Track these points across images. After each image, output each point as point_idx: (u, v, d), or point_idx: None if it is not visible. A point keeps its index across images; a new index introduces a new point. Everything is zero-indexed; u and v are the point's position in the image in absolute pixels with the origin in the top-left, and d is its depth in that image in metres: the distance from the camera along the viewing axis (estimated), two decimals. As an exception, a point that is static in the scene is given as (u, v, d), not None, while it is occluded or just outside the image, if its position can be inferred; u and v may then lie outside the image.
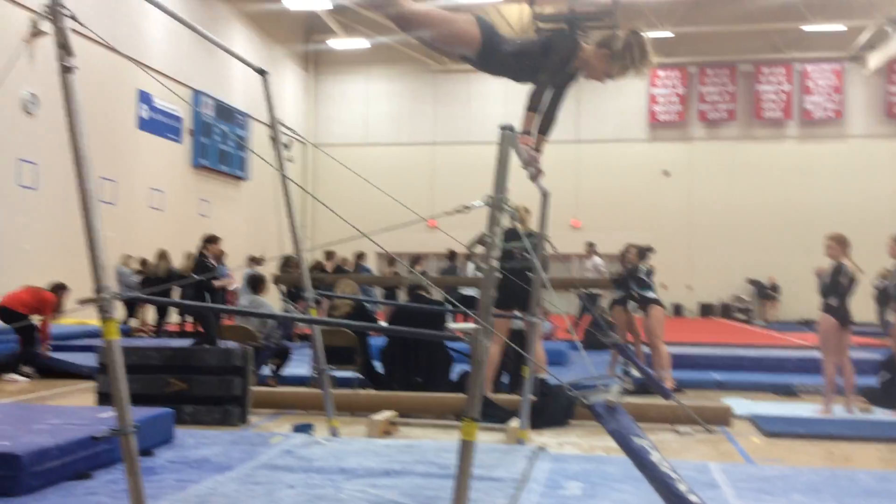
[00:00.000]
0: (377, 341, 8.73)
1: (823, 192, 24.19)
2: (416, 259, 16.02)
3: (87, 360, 9.58)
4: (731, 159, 25.07)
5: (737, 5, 23.20)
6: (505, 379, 7.88)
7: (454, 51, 3.95)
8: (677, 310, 24.91)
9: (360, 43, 24.57)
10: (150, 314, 15.09)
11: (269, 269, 13.95)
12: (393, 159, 25.68)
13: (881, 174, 24.05)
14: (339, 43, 24.81)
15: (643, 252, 9.02)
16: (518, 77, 3.96)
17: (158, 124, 17.75)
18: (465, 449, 2.95)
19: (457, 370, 7.92)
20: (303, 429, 5.87)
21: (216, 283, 10.53)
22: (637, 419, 3.45)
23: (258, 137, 21.03)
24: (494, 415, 6.40)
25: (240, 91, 21.28)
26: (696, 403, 7.13)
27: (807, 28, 23.31)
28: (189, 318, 14.40)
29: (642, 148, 25.62)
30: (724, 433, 6.45)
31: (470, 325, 3.04)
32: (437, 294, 8.99)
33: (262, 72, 5.38)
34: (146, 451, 4.65)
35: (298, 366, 9.06)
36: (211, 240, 10.17)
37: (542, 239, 5.54)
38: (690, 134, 25.51)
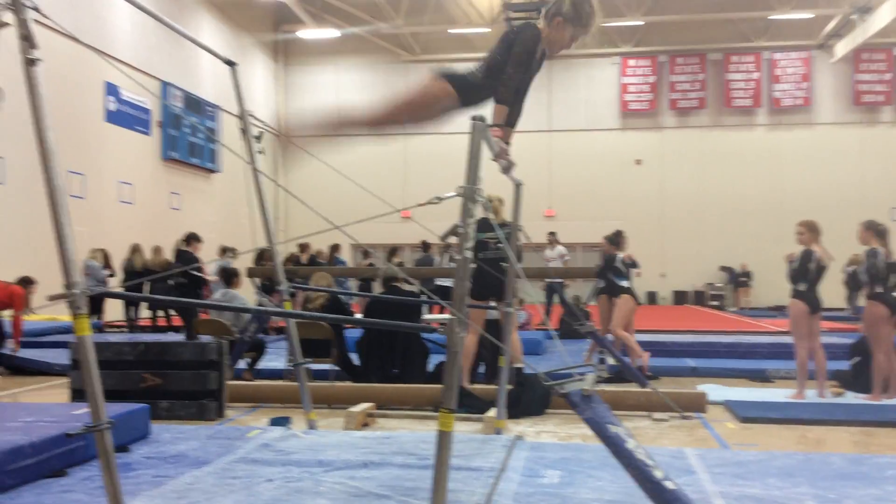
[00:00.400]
0: (353, 333, 8.70)
1: (793, 179, 24.51)
2: (393, 251, 15.97)
3: (59, 356, 9.47)
4: (701, 147, 25.28)
5: (706, -6, 23.37)
6: (481, 369, 7.90)
7: (439, 112, 3.96)
8: (651, 297, 25.10)
9: (329, 33, 24.44)
10: (119, 310, 14.89)
11: (242, 262, 13.86)
12: (365, 150, 25.53)
13: (849, 161, 24.40)
14: (309, 33, 24.65)
15: (615, 239, 9.03)
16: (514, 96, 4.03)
17: (126, 116, 17.52)
18: (443, 439, 2.95)
19: (434, 361, 7.92)
20: (280, 422, 5.85)
21: (209, 278, 10.46)
22: (613, 407, 3.46)
23: (229, 129, 20.83)
24: (471, 405, 6.41)
25: (209, 82, 21.06)
26: (672, 390, 7.20)
27: (774, 17, 23.54)
28: (161, 314, 14.29)
29: (614, 137, 25.74)
30: (700, 419, 6.51)
31: (445, 316, 3.03)
32: (412, 286, 8.97)
33: (230, 63, 5.32)
34: (122, 448, 4.60)
35: (274, 359, 9.02)
36: (195, 237, 10.12)
37: (515, 229, 5.54)
38: (661, 122, 25.68)
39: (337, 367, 7.85)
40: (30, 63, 3.01)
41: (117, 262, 14.15)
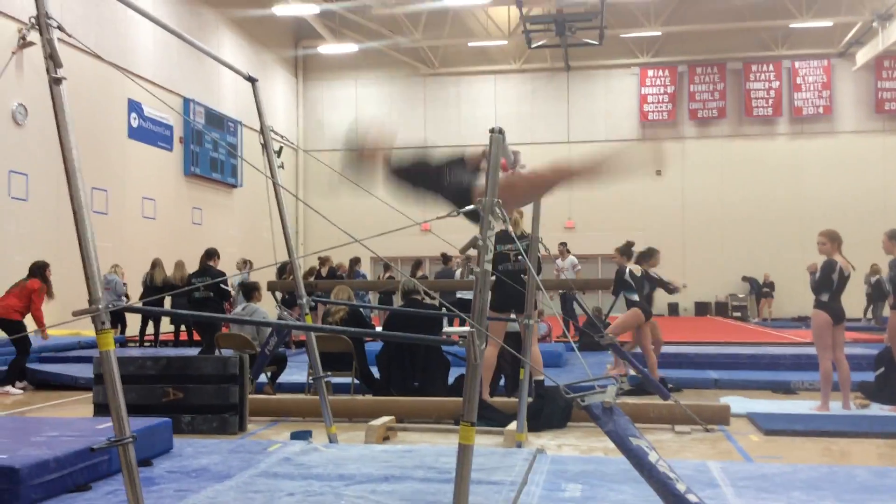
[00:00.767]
0: (373, 346, 8.72)
1: (815, 188, 24.31)
2: (417, 264, 15.95)
3: (83, 370, 9.56)
4: (722, 157, 25.14)
5: (724, 4, 23.32)
6: (502, 382, 7.88)
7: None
8: (673, 308, 24.95)
9: (348, 47, 24.59)
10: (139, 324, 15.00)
11: (261, 276, 13.95)
12: (385, 164, 25.66)
13: (871, 169, 24.17)
14: (328, 48, 24.82)
15: (626, 251, 8.99)
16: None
17: (149, 133, 17.72)
18: (464, 453, 2.95)
19: (454, 374, 7.92)
20: (301, 436, 5.86)
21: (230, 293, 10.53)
22: (635, 420, 3.45)
23: (249, 144, 21.01)
24: (492, 418, 6.40)
25: (230, 98, 21.26)
26: (694, 403, 7.13)
27: (794, 25, 23.42)
28: (183, 328, 14.38)
29: (633, 147, 25.64)
30: (723, 432, 6.45)
31: (465, 329, 3.03)
32: (428, 299, 8.98)
33: (251, 79, 5.37)
34: (145, 462, 4.64)
35: (295, 373, 9.05)
36: (215, 253, 10.18)
37: (535, 240, 5.54)
38: (681, 132, 25.58)
39: (357, 381, 7.86)
40: (55, 82, 3.05)
41: (139, 277, 14.28)
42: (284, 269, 13.00)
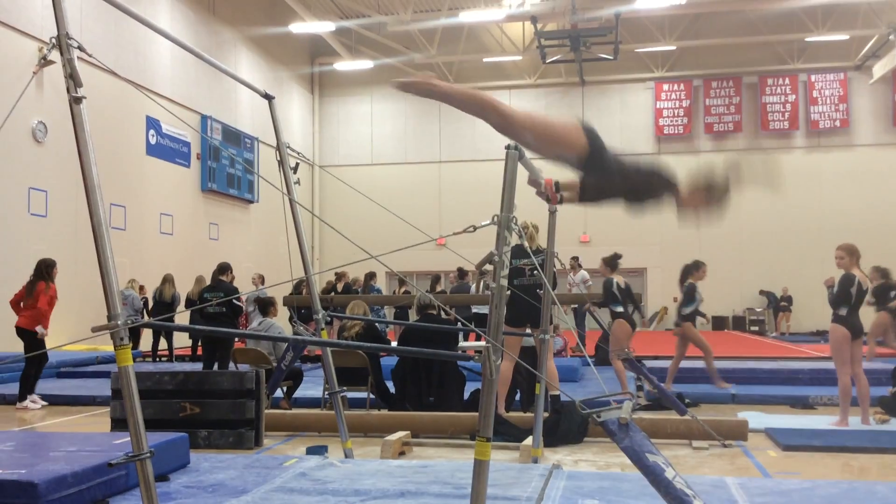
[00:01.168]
0: (389, 361, 8.72)
1: (832, 201, 24.16)
2: (436, 279, 15.95)
3: (100, 385, 9.62)
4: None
5: (739, 18, 23.30)
6: (517, 397, 7.86)
7: (556, 155, 3.79)
8: (689, 323, 24.81)
9: (364, 64, 24.76)
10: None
11: (277, 291, 14.00)
12: (399, 178, 25.78)
13: (889, 182, 23.99)
14: (344, 64, 24.99)
15: (612, 262, 8.97)
16: (613, 196, 3.81)
17: (167, 149, 17.88)
18: (480, 469, 2.94)
19: (469, 388, 7.91)
20: (317, 451, 5.87)
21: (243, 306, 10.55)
22: (652, 435, 3.43)
23: (266, 160, 21.16)
24: (508, 433, 6.38)
25: (247, 115, 21.45)
26: (712, 418, 7.09)
27: (810, 39, 23.36)
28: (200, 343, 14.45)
29: (649, 162, 25.61)
30: (741, 447, 6.40)
31: (480, 344, 3.04)
32: (444, 313, 8.98)
33: (268, 97, 5.43)
34: (162, 477, 4.65)
35: (311, 387, 9.06)
36: (229, 267, 10.20)
37: (550, 255, 5.54)
38: (697, 146, 25.51)
39: (373, 395, 7.86)
40: (75, 101, 3.09)
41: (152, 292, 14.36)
42: (300, 285, 13.05)
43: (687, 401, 8.01)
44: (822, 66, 24.75)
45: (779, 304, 23.83)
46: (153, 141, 17.32)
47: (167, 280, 14.01)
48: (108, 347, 12.88)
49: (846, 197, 24.06)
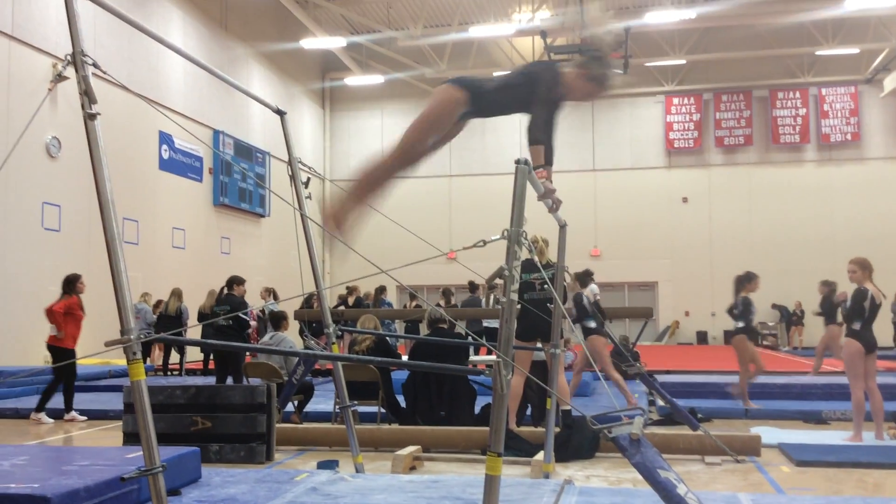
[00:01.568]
0: (400, 375, 8.71)
1: (844, 214, 24.07)
2: (447, 293, 15.94)
3: (112, 399, 9.65)
4: (749, 184, 25.01)
5: (749, 32, 23.32)
6: (528, 411, 7.84)
7: (454, 120, 4.02)
8: (702, 337, 24.72)
9: (374, 79, 24.89)
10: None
11: (288, 305, 14.04)
12: (409, 192, 25.76)
13: (902, 196, 23.91)
14: (355, 79, 25.13)
15: (583, 278, 8.92)
16: (508, 110, 4.07)
17: (179, 164, 18.00)
18: (491, 484, 2.94)
19: (480, 403, 7.89)
20: (327, 465, 5.86)
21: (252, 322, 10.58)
22: (664, 450, 3.42)
23: (277, 174, 21.27)
24: (519, 448, 6.36)
25: (258, 129, 21.57)
26: (724, 433, 7.04)
27: (821, 52, 23.34)
28: (212, 357, 14.50)
29: (659, 175, 25.61)
30: (754, 463, 6.36)
31: (491, 358, 3.03)
32: (458, 327, 8.98)
33: (280, 112, 5.46)
34: (174, 491, 4.66)
35: (321, 401, 9.06)
36: (237, 280, 10.21)
37: (560, 269, 5.54)
38: (708, 160, 25.49)
39: (383, 410, 7.86)
40: (90, 118, 3.12)
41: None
42: (310, 298, 13.08)
43: (699, 416, 7.97)
44: (833, 79, 24.72)
45: (791, 319, 23.70)
46: (166, 156, 17.44)
47: (173, 294, 14.09)
48: (120, 361, 12.94)
49: (858, 210, 23.97)
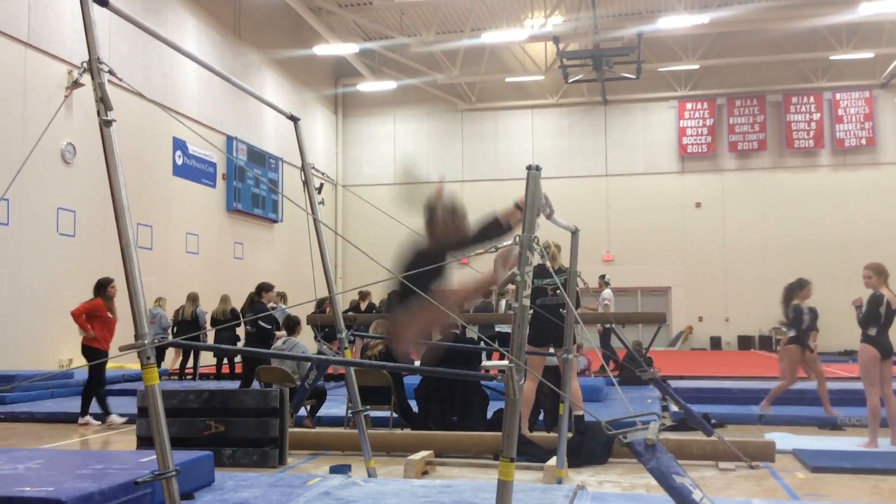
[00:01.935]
0: (412, 380, 8.72)
1: (859, 219, 23.91)
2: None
3: (127, 403, 9.69)
4: (763, 189, 24.89)
5: (763, 36, 23.24)
6: (541, 417, 7.82)
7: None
8: (715, 343, 24.59)
9: (387, 85, 24.95)
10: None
11: (300, 310, 14.06)
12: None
13: (917, 200, 23.73)
14: (367, 85, 25.20)
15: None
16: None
17: (193, 170, 18.09)
18: (503, 489, 2.94)
19: (492, 408, 7.88)
20: (340, 470, 5.87)
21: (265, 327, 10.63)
22: (678, 456, 3.41)
23: (290, 180, 21.34)
24: (532, 453, 6.35)
25: (271, 135, 21.66)
26: (738, 438, 7.01)
27: (835, 57, 23.23)
28: (226, 361, 14.55)
29: (672, 180, 25.52)
30: (768, 469, 6.32)
31: (504, 363, 3.03)
32: (471, 332, 8.99)
33: (293, 118, 5.49)
34: (187, 495, 4.68)
35: (334, 406, 9.08)
36: (265, 287, 10.24)
37: (573, 275, 5.54)
38: (721, 165, 25.39)
39: (396, 414, 7.86)
40: (105, 124, 3.15)
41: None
42: (322, 304, 13.11)
43: (713, 421, 7.93)
44: (847, 83, 24.59)
45: (806, 324, 23.52)
46: (180, 161, 17.54)
47: (190, 298, 14.18)
48: (133, 366, 13.00)
49: (873, 215, 23.80)
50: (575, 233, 5.19)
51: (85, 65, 3.23)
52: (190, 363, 14.70)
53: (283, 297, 15.81)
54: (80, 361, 10.07)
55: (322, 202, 5.45)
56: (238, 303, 14.76)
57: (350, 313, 14.38)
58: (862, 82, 24.49)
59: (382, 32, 23.09)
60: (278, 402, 6.62)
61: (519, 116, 26.29)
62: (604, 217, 25.01)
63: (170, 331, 14.11)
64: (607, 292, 15.21)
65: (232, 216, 19.84)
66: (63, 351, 13.43)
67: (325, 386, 9.33)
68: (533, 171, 3.20)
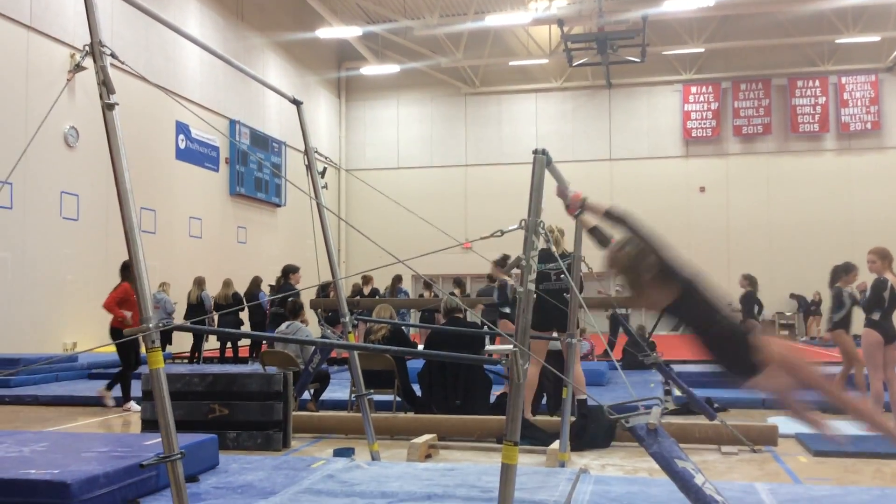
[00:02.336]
0: (415, 364, 8.73)
1: (864, 203, 23.83)
2: (460, 283, 15.94)
3: (132, 386, 9.72)
4: (768, 173, 24.80)
5: (768, 20, 23.08)
6: (544, 401, 7.84)
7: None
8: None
9: (390, 68, 24.85)
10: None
11: (304, 294, 14.09)
12: (425, 182, 25.81)
13: (923, 185, 23.63)
14: (371, 69, 25.11)
15: (503, 262, 9.01)
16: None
17: (196, 154, 18.07)
18: (507, 472, 2.95)
19: (496, 392, 7.90)
20: (343, 453, 5.90)
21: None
22: (680, 440, 3.41)
23: (293, 164, 21.31)
24: (535, 437, 6.37)
25: (274, 119, 21.61)
26: (741, 422, 7.02)
27: (841, 40, 23.08)
28: (229, 345, 14.60)
29: (677, 164, 25.45)
30: (771, 453, 6.34)
31: (507, 347, 3.03)
32: (473, 316, 9.00)
33: (296, 102, 5.47)
34: (192, 478, 4.70)
35: (338, 390, 9.10)
36: (292, 269, 10.16)
37: (577, 259, 5.53)
38: (726, 149, 25.29)
39: (399, 398, 7.88)
40: (108, 108, 3.14)
41: (185, 295, 14.52)
42: (325, 288, 13.13)
43: (716, 405, 7.95)
44: (853, 67, 24.43)
45: (809, 308, 23.53)
46: (182, 145, 17.51)
47: (196, 282, 14.22)
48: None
49: (877, 200, 23.72)
50: (578, 215, 5.17)
51: (87, 48, 3.22)
52: (206, 347, 14.76)
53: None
54: (84, 345, 10.10)
55: (325, 186, 5.43)
56: (241, 287, 14.82)
57: (356, 297, 14.43)
58: (868, 66, 24.33)
59: (386, 15, 22.98)
60: (282, 385, 6.64)
61: (523, 100, 26.19)
62: (608, 201, 24.89)
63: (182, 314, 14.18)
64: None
65: (235, 200, 19.83)
66: (67, 334, 13.48)
67: (329, 370, 9.35)
68: (539, 156, 3.19)
